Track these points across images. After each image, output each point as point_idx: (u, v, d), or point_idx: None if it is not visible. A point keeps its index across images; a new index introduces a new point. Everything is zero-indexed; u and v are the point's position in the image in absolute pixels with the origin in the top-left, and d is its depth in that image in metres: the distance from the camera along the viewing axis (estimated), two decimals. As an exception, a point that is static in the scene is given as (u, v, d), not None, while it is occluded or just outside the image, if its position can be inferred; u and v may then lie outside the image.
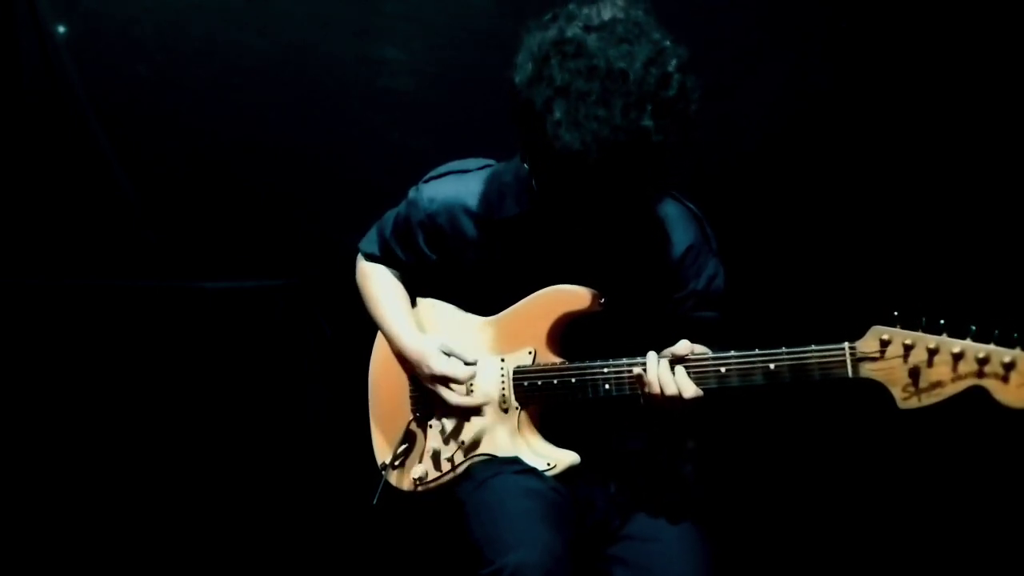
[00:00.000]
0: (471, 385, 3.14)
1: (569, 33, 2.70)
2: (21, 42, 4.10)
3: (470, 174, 3.21)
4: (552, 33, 2.73)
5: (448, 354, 3.14)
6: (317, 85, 4.18)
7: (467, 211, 3.15)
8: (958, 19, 3.86)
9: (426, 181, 3.25)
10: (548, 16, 2.79)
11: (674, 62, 2.72)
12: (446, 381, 3.12)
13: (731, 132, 4.05)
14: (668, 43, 2.75)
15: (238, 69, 4.17)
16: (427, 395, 3.20)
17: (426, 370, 3.15)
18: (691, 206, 3.18)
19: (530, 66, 2.72)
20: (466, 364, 3.14)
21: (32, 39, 4.10)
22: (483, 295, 3.19)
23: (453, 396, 3.12)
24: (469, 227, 3.15)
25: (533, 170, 2.92)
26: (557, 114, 2.65)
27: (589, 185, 2.74)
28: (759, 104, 4.04)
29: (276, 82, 4.18)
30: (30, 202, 4.22)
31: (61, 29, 4.12)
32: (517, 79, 2.75)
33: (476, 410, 3.13)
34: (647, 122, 2.64)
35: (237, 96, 4.19)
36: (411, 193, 3.25)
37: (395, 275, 3.36)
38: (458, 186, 3.19)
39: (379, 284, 3.35)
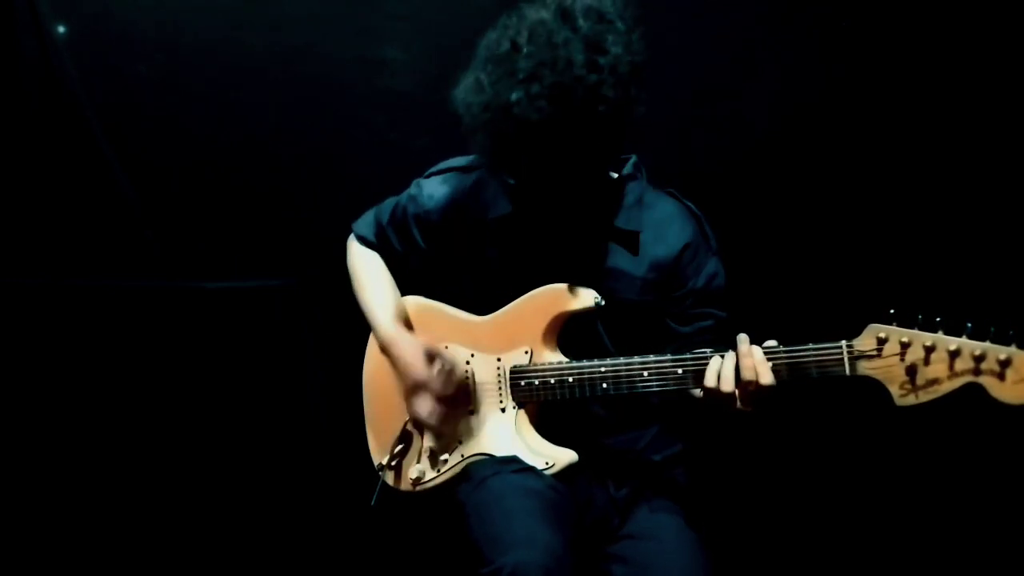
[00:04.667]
0: (470, 406, 3.13)
1: (533, 13, 2.83)
2: (21, 42, 4.11)
3: (471, 172, 3.23)
4: (523, 10, 2.86)
5: (433, 359, 3.09)
6: (317, 85, 4.19)
7: (464, 209, 3.17)
8: (958, 19, 3.87)
9: (427, 176, 3.28)
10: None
11: (600, 59, 2.75)
12: (424, 388, 3.08)
13: (731, 132, 4.05)
14: (611, 42, 2.77)
15: (238, 69, 4.18)
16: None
17: (409, 375, 3.09)
18: (689, 204, 3.18)
19: (481, 51, 2.89)
20: (450, 374, 3.10)
21: (32, 39, 4.10)
22: (479, 294, 3.19)
23: (426, 407, 3.07)
24: (466, 224, 3.17)
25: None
26: (466, 78, 2.85)
27: (482, 155, 2.88)
28: (759, 104, 4.04)
29: (276, 82, 4.19)
30: (30, 202, 4.22)
31: (61, 29, 4.13)
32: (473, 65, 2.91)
33: (473, 409, 3.12)
34: (516, 95, 2.71)
35: (237, 96, 4.19)
36: (412, 187, 3.28)
37: (387, 265, 3.34)
38: (457, 184, 3.21)
39: (370, 272, 3.33)
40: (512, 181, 3.02)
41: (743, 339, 2.83)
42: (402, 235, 3.28)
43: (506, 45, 2.76)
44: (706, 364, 2.87)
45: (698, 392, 2.93)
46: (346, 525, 4.24)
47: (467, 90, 2.81)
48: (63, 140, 4.18)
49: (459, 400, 3.12)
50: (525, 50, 2.73)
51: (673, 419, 3.22)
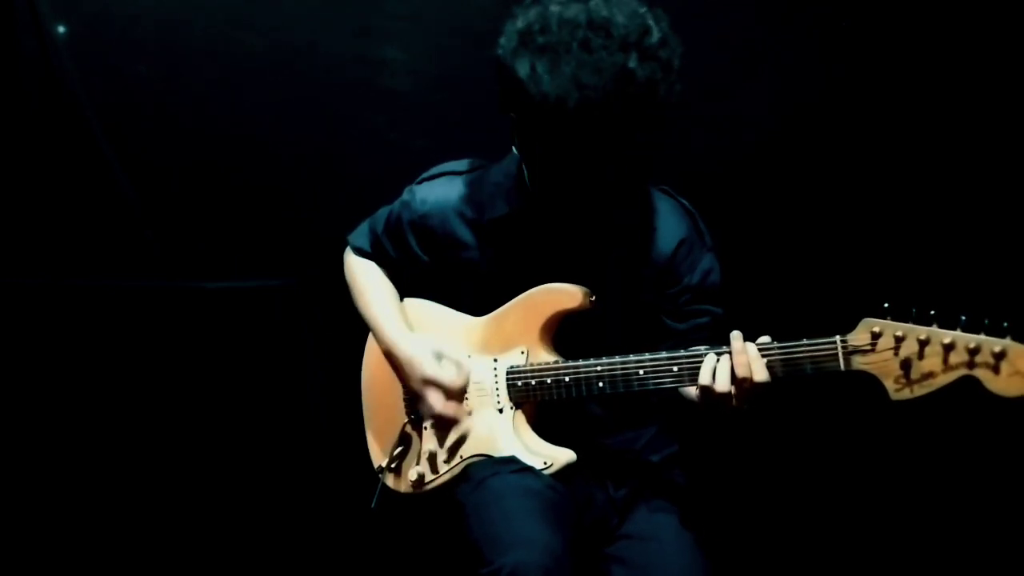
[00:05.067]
0: (467, 407, 3.13)
1: (551, 7, 2.74)
2: (21, 42, 4.12)
3: (463, 175, 3.22)
4: (534, 10, 2.77)
5: (440, 357, 3.12)
6: (317, 85, 4.18)
7: (458, 212, 3.16)
8: (958, 19, 3.87)
9: (419, 182, 3.26)
10: (527, 1, 2.82)
11: (654, 19, 2.75)
12: (436, 385, 3.09)
13: (730, 132, 4.05)
14: (646, 9, 2.77)
15: (238, 69, 4.18)
16: (417, 399, 3.19)
17: (416, 372, 3.12)
18: (683, 201, 3.18)
19: (515, 40, 2.75)
20: (458, 368, 3.11)
21: (32, 39, 4.11)
22: (475, 296, 3.19)
23: (439, 402, 3.08)
24: (460, 228, 3.16)
25: (522, 152, 2.95)
26: (539, 70, 2.68)
27: (576, 140, 2.73)
28: (758, 104, 4.04)
29: (276, 82, 4.18)
30: (30, 202, 4.22)
31: (61, 29, 4.13)
32: (501, 52, 2.79)
33: (470, 411, 3.11)
34: (632, 64, 2.66)
35: (237, 96, 4.19)
36: (405, 193, 3.27)
37: (385, 272, 3.35)
38: (450, 188, 3.20)
39: (369, 282, 3.33)
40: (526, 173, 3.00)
41: (737, 336, 2.82)
42: (397, 242, 3.28)
43: (581, 28, 2.69)
44: (701, 361, 2.86)
45: (693, 390, 2.92)
46: (346, 527, 4.23)
47: (558, 80, 2.67)
48: (63, 140, 4.18)
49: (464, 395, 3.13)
50: (610, 24, 2.68)
51: (671, 418, 3.22)
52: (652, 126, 2.77)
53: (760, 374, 2.78)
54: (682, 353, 2.90)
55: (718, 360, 2.83)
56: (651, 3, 2.83)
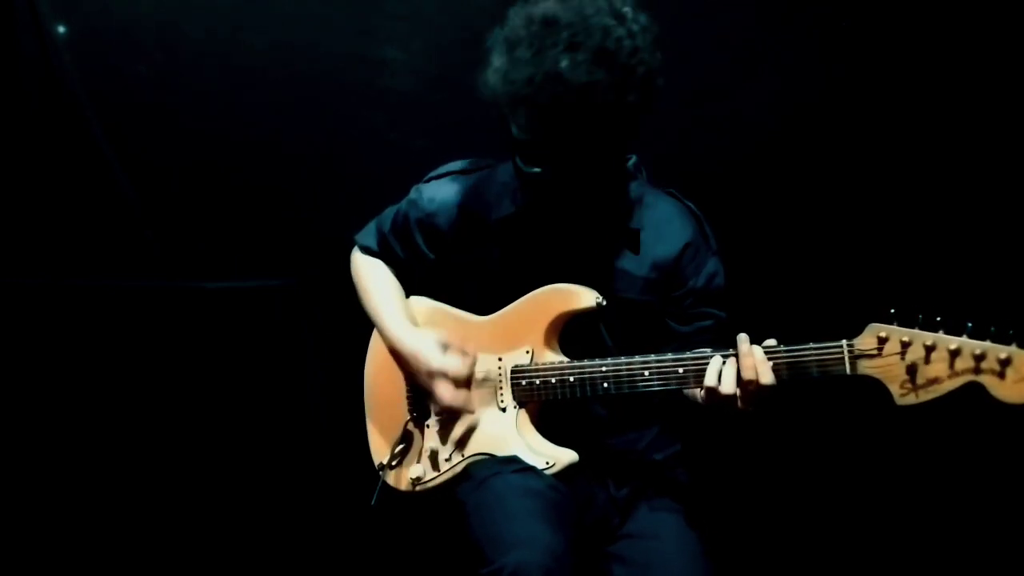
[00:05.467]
0: (470, 406, 3.13)
1: (544, 2, 2.80)
2: (21, 42, 4.11)
3: (470, 174, 3.24)
4: (531, 3, 2.83)
5: (446, 349, 3.11)
6: (317, 85, 4.18)
7: (466, 211, 3.17)
8: (958, 19, 3.87)
9: (427, 181, 3.28)
10: None
11: (632, 25, 2.78)
12: (443, 376, 3.09)
13: (730, 132, 4.05)
14: (630, 11, 2.80)
15: (238, 69, 4.17)
16: (424, 394, 3.19)
17: (423, 365, 3.12)
18: (689, 204, 3.19)
19: (497, 35, 2.85)
20: (464, 359, 3.11)
21: (32, 39, 4.10)
22: (481, 294, 3.19)
23: (448, 393, 3.08)
24: (468, 227, 3.17)
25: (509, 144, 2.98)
26: (494, 60, 2.80)
27: (523, 134, 2.82)
28: (758, 104, 4.04)
29: (276, 82, 4.18)
30: (30, 202, 4.22)
31: (61, 29, 4.12)
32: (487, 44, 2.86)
33: (473, 409, 3.11)
34: (564, 63, 2.70)
35: (237, 96, 4.19)
36: (412, 192, 3.28)
37: (391, 271, 3.35)
38: (457, 186, 3.22)
39: (375, 278, 3.34)
40: (536, 169, 3.00)
41: (743, 339, 2.83)
42: (405, 241, 3.28)
43: (537, 24, 2.75)
44: (706, 363, 2.87)
45: (699, 392, 2.93)
46: (346, 525, 4.23)
47: (503, 71, 2.78)
48: (63, 140, 4.17)
49: (456, 416, 3.14)
50: (563, 21, 2.73)
51: (674, 419, 3.22)
52: (595, 121, 2.78)
53: (766, 377, 2.78)
54: (687, 355, 2.92)
55: (724, 362, 2.83)
56: (652, 3, 2.84)
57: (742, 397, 2.82)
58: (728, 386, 2.81)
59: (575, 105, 2.72)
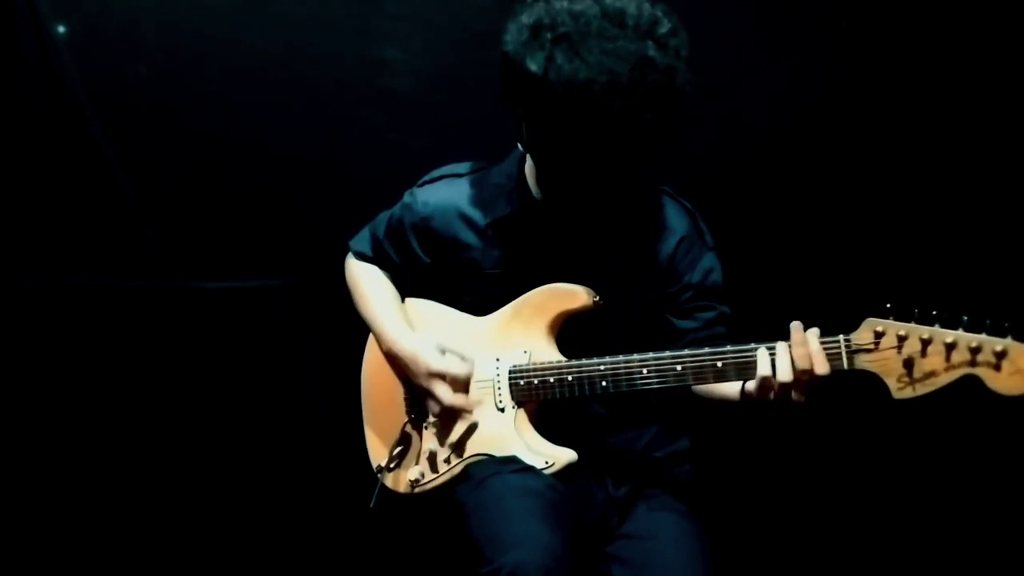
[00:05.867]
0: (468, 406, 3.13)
1: (556, 3, 2.76)
2: (21, 42, 4.11)
3: (464, 177, 3.24)
4: (540, 6, 2.78)
5: (444, 352, 3.12)
6: (317, 85, 4.18)
7: (461, 214, 3.17)
8: (958, 19, 3.87)
9: (420, 185, 3.27)
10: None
11: (660, 11, 2.77)
12: (442, 378, 3.09)
13: (730, 132, 4.06)
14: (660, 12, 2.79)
15: (238, 69, 4.17)
16: (421, 396, 3.18)
17: (421, 367, 3.12)
18: (684, 202, 3.21)
19: (524, 34, 2.76)
20: (462, 361, 3.11)
21: (32, 39, 4.10)
22: (477, 296, 3.19)
23: (447, 395, 3.08)
24: (463, 230, 3.17)
25: (532, 149, 2.95)
26: (558, 59, 2.68)
27: (599, 125, 2.71)
28: (758, 104, 4.04)
29: (276, 82, 4.17)
30: (30, 202, 4.22)
31: (61, 29, 4.12)
32: (510, 50, 2.79)
33: (472, 410, 3.11)
34: (650, 51, 2.67)
35: (237, 96, 4.19)
36: (405, 196, 3.28)
37: (387, 276, 3.35)
38: (451, 189, 3.22)
39: (371, 284, 3.34)
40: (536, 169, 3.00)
41: (797, 327, 2.79)
42: (399, 245, 3.29)
43: (595, 19, 2.70)
44: (705, 361, 2.87)
45: (734, 387, 2.94)
46: (346, 526, 4.23)
47: (576, 66, 2.67)
48: (63, 140, 4.17)
49: (455, 418, 3.13)
50: (623, 15, 2.71)
51: (674, 417, 3.22)
52: (670, 116, 2.77)
53: (821, 367, 2.75)
54: (685, 353, 2.91)
55: (773, 353, 2.80)
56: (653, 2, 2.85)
57: (795, 386, 2.79)
58: (785, 374, 2.77)
59: (662, 92, 2.70)
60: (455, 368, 3.09)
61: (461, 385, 3.10)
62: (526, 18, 2.78)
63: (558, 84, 2.67)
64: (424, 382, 3.13)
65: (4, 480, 4.26)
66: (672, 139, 2.82)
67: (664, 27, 2.73)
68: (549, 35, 2.71)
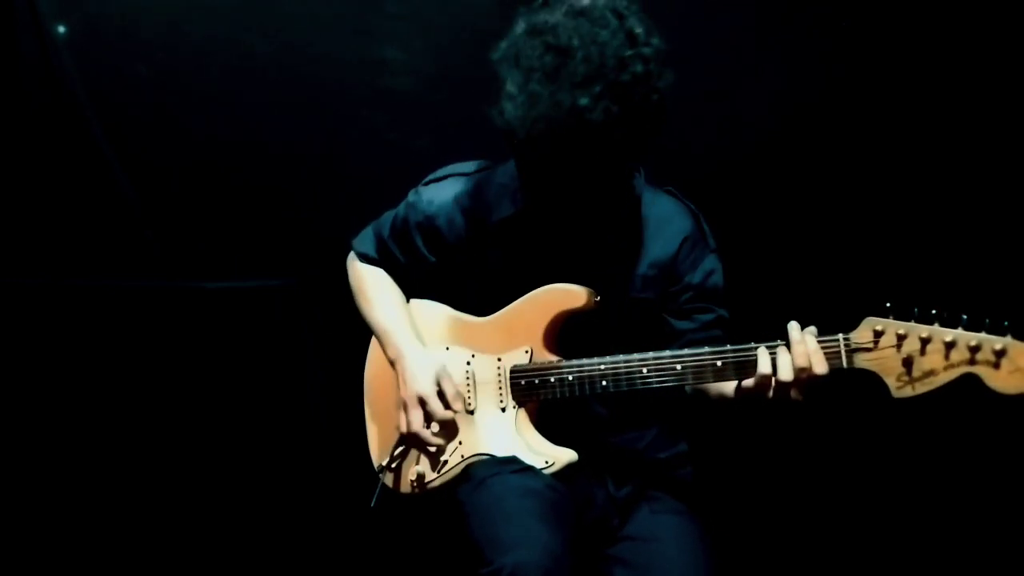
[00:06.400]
0: (469, 405, 3.12)
1: (550, 16, 2.76)
2: (21, 42, 4.11)
3: (468, 176, 3.23)
4: (537, 16, 2.78)
5: (440, 385, 3.10)
6: (317, 85, 4.18)
7: (465, 213, 3.17)
8: (958, 19, 3.87)
9: (425, 184, 3.27)
10: (539, 2, 2.83)
11: (644, 50, 2.74)
12: (422, 406, 3.08)
13: (730, 132, 4.06)
14: (642, 33, 2.77)
15: (238, 69, 4.18)
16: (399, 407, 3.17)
17: (410, 388, 3.10)
18: (688, 203, 3.20)
19: (504, 44, 2.80)
20: (453, 394, 3.10)
21: (32, 39, 4.10)
22: (480, 295, 3.19)
23: (416, 422, 3.07)
24: (467, 229, 3.17)
25: (514, 156, 2.97)
26: (508, 87, 2.74)
27: (536, 162, 2.80)
28: (758, 104, 4.04)
29: (276, 82, 4.18)
30: (30, 202, 4.22)
31: (61, 29, 4.12)
32: (493, 56, 2.82)
33: (473, 409, 3.11)
34: (583, 101, 2.66)
35: (237, 96, 4.19)
36: (410, 195, 3.27)
37: (393, 279, 3.34)
38: (456, 188, 3.21)
39: (378, 289, 3.32)
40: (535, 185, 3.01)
41: (795, 327, 2.80)
42: (404, 246, 3.28)
43: (551, 54, 2.71)
44: (704, 361, 2.87)
45: (730, 386, 2.94)
46: (346, 527, 4.23)
47: (519, 105, 2.73)
48: (63, 140, 4.18)
49: (449, 427, 3.12)
50: (578, 52, 2.69)
51: (675, 417, 3.22)
52: (646, 127, 2.77)
53: (820, 366, 2.76)
54: (685, 352, 2.92)
55: (774, 352, 2.80)
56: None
57: (796, 386, 2.80)
58: (785, 374, 2.77)
59: (593, 140, 2.71)
60: (436, 403, 3.07)
61: (439, 422, 3.08)
62: (518, 28, 2.82)
63: (499, 114, 2.77)
64: (408, 400, 3.11)
65: (4, 480, 4.26)
66: (655, 138, 2.84)
67: (626, 74, 2.71)
68: (516, 57, 2.76)
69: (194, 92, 4.19)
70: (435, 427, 3.09)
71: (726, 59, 4.03)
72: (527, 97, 2.71)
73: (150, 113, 4.21)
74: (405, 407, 3.10)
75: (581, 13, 2.75)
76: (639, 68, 2.72)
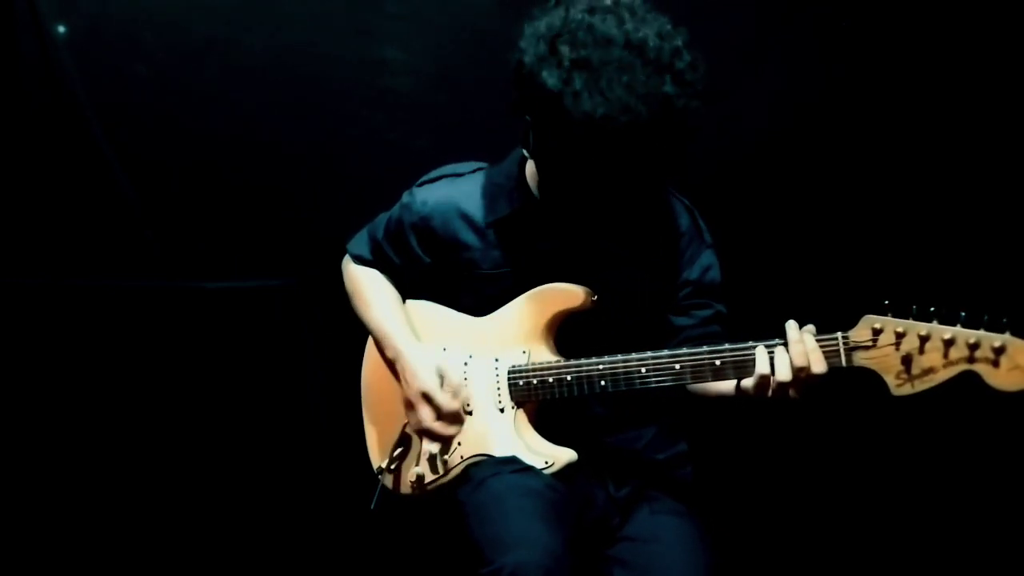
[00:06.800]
0: (467, 406, 3.12)
1: (575, 15, 2.73)
2: (21, 42, 4.11)
3: (463, 177, 3.22)
4: (559, 15, 2.75)
5: (442, 377, 3.11)
6: (317, 85, 4.18)
7: (460, 213, 3.16)
8: (958, 19, 3.88)
9: (419, 185, 3.26)
10: (552, 2, 2.82)
11: (679, 39, 2.75)
12: (429, 401, 3.09)
13: (730, 132, 4.05)
14: (670, 24, 2.77)
15: (238, 69, 4.17)
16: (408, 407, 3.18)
17: (414, 386, 3.11)
18: (683, 199, 3.20)
19: (541, 46, 2.73)
20: (456, 385, 3.11)
21: (32, 39, 4.10)
22: (476, 296, 3.18)
23: (429, 418, 3.09)
24: (462, 229, 3.16)
25: (538, 156, 2.93)
26: (577, 85, 2.65)
27: (611, 157, 2.71)
28: (758, 104, 4.04)
29: (276, 82, 4.18)
30: (30, 202, 4.22)
31: (61, 29, 4.12)
32: (525, 60, 2.76)
33: (471, 410, 3.11)
34: (668, 88, 2.66)
35: (237, 96, 4.19)
36: (404, 197, 3.26)
37: (388, 279, 3.34)
38: (451, 189, 3.20)
39: (373, 289, 3.33)
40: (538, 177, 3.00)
41: (793, 326, 2.80)
42: (399, 247, 3.27)
43: (620, 47, 2.67)
44: (703, 360, 2.87)
45: (730, 384, 2.93)
46: (345, 527, 4.23)
47: (580, 95, 2.65)
48: (63, 140, 4.17)
49: (456, 418, 3.12)
50: (650, 44, 2.68)
51: (675, 417, 3.22)
52: (680, 148, 2.78)
53: (818, 365, 2.76)
54: (684, 351, 2.91)
55: (772, 351, 2.80)
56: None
57: (794, 385, 2.79)
58: (784, 373, 2.77)
59: (675, 129, 2.72)
60: (442, 396, 3.08)
61: (446, 415, 3.09)
62: (544, 27, 2.76)
63: (576, 113, 2.65)
64: (413, 399, 3.12)
65: (5, 480, 4.26)
66: (677, 164, 2.84)
67: (684, 60, 2.71)
68: (568, 53, 2.68)
69: (194, 92, 4.19)
70: (443, 421, 3.09)
71: (726, 59, 4.01)
72: (612, 90, 2.63)
73: (150, 113, 4.20)
74: (412, 405, 3.11)
75: (608, 10, 2.74)
76: (689, 54, 2.74)
